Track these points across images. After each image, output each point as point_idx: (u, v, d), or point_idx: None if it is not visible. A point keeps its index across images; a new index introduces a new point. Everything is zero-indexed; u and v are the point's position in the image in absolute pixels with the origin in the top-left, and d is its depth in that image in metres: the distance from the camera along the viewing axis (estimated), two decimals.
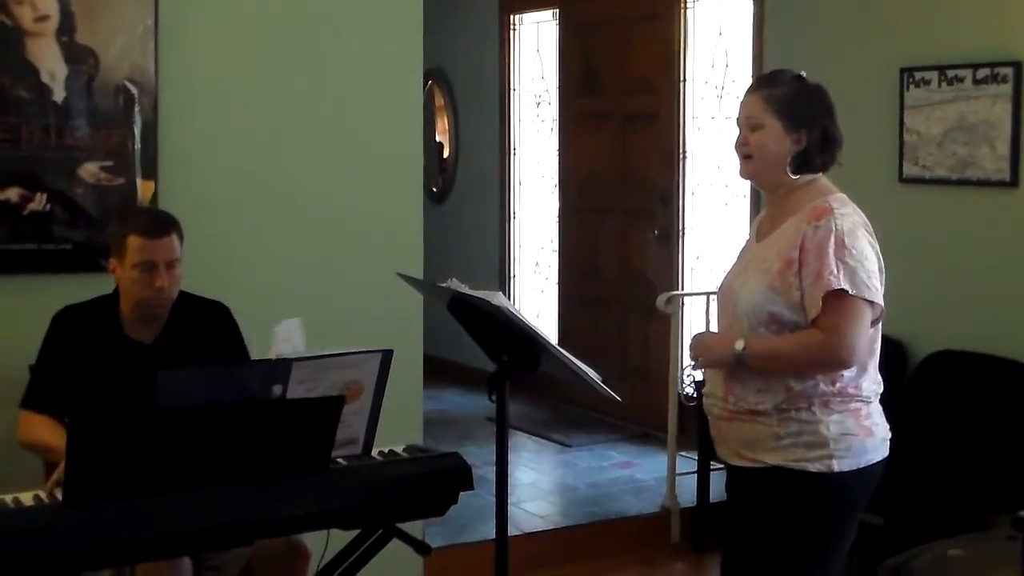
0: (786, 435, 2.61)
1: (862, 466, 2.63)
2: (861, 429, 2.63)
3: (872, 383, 2.67)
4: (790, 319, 2.61)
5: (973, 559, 3.43)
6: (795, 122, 2.65)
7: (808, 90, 2.70)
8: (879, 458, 2.67)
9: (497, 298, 2.49)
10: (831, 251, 2.55)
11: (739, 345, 2.60)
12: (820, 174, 2.71)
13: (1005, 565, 3.23)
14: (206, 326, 3.24)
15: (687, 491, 4.87)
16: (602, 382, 2.60)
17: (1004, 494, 3.95)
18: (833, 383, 2.60)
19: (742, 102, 2.73)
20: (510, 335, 2.57)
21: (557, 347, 2.56)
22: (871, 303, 2.58)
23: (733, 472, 2.77)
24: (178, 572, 2.97)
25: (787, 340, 2.61)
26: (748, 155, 2.70)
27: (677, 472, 4.88)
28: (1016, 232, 4.29)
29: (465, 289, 2.58)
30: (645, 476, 5.46)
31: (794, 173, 2.67)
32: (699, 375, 2.75)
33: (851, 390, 2.63)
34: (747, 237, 2.93)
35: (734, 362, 2.62)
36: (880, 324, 2.67)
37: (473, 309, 2.59)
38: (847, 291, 2.53)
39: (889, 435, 2.70)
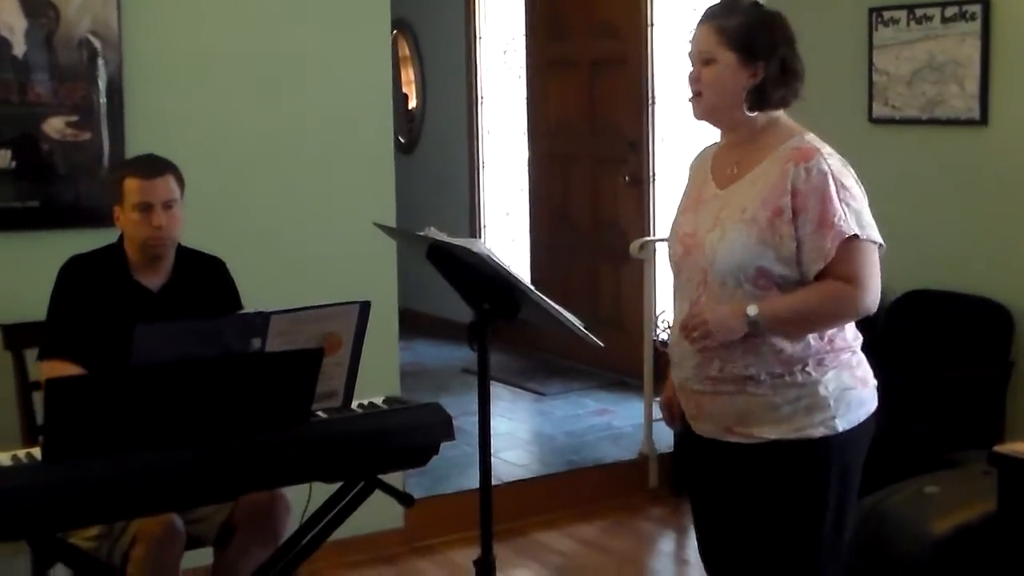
0: (784, 403, 2.43)
1: (862, 419, 2.50)
2: (856, 381, 2.50)
3: (854, 330, 2.54)
4: (780, 273, 2.41)
5: (949, 495, 3.46)
6: (751, 54, 2.44)
7: (764, 18, 2.48)
8: (874, 408, 2.54)
9: (477, 245, 2.47)
10: (833, 194, 2.37)
11: (752, 311, 2.37)
12: (781, 111, 2.52)
13: (981, 500, 3.26)
14: (206, 279, 3.30)
15: (664, 437, 4.89)
16: (583, 328, 2.58)
17: (978, 431, 3.99)
18: (823, 338, 2.45)
19: (694, 34, 2.51)
20: (490, 283, 2.55)
21: (539, 293, 2.54)
22: (878, 245, 2.43)
23: (719, 448, 2.54)
24: (170, 525, 2.97)
25: (808, 297, 2.40)
26: (699, 91, 2.50)
27: (653, 418, 4.88)
28: (986, 170, 4.30)
29: (444, 238, 2.55)
30: (621, 423, 5.48)
31: (750, 110, 2.47)
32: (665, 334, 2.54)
33: (839, 342, 2.47)
34: (688, 177, 2.69)
35: (743, 332, 2.39)
36: None
37: (452, 257, 2.57)
38: (858, 236, 2.38)
39: (875, 382, 2.58)
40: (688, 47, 2.56)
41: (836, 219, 2.36)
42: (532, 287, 2.55)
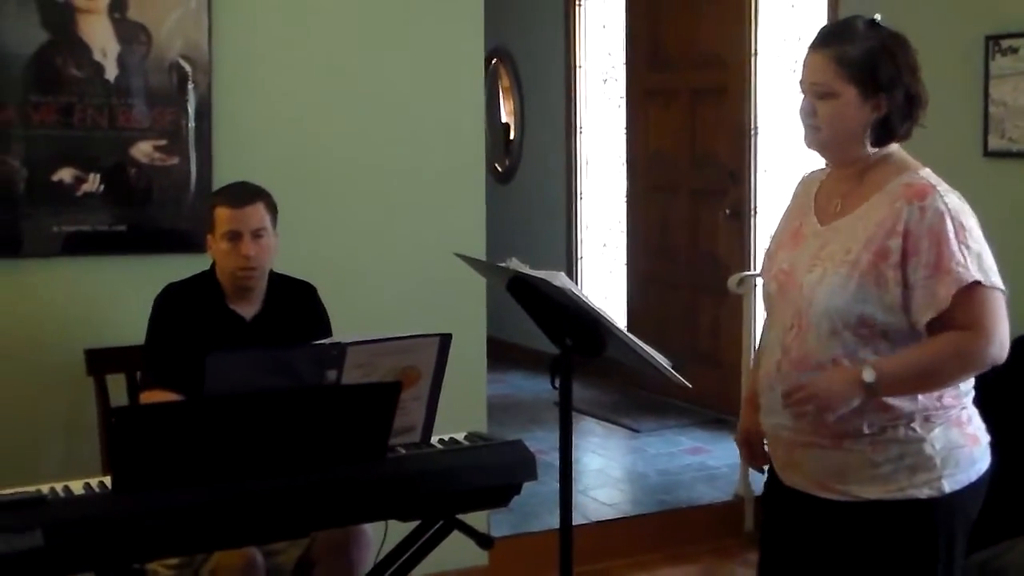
0: (885, 461, 2.24)
1: (972, 480, 2.29)
2: (967, 438, 2.29)
3: (968, 385, 2.32)
4: (884, 321, 2.22)
5: None
6: (874, 87, 2.23)
7: (887, 44, 2.25)
8: (987, 467, 2.33)
9: (559, 278, 2.35)
10: (951, 236, 2.16)
11: (868, 376, 2.15)
12: (896, 144, 2.33)
13: None
14: (298, 306, 3.26)
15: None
16: (672, 368, 2.44)
17: None
18: (931, 395, 2.25)
19: (807, 62, 2.29)
20: (573, 318, 2.43)
21: (623, 331, 2.41)
22: (1003, 291, 2.21)
23: (809, 503, 2.35)
24: (251, 559, 2.92)
25: (928, 352, 2.19)
26: (815, 126, 2.29)
27: None
28: None
29: (526, 269, 2.44)
30: (717, 463, 5.31)
31: (875, 145, 2.27)
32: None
33: (949, 398, 2.27)
34: (788, 206, 2.52)
35: (862, 399, 2.18)
36: None
37: (534, 290, 2.46)
38: (981, 282, 2.16)
39: (989, 438, 2.37)
40: (799, 74, 2.34)
41: (954, 264, 2.16)
42: (616, 323, 2.42)
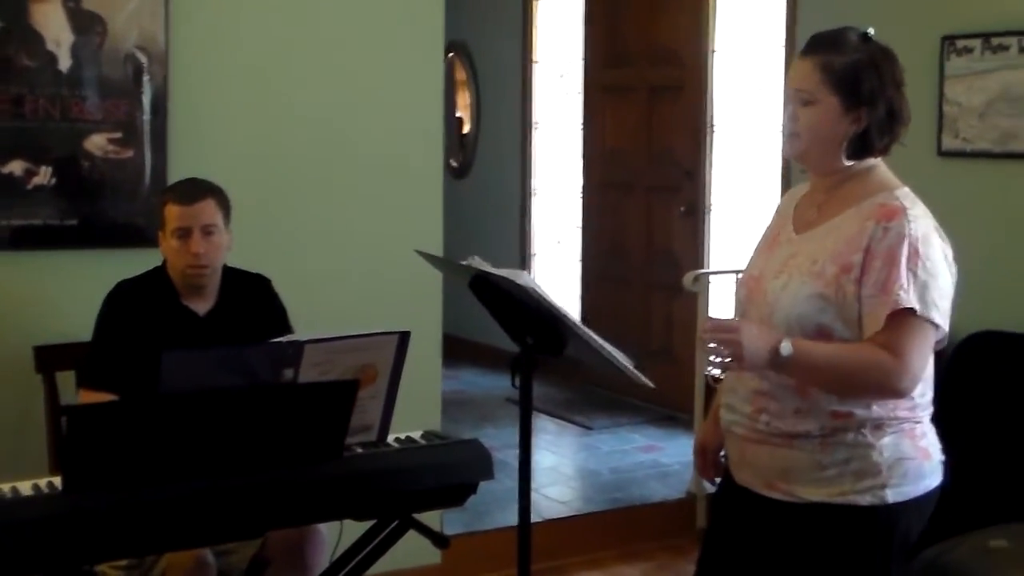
0: (831, 464, 2.25)
1: (919, 494, 2.28)
2: (918, 451, 2.28)
3: (926, 400, 2.32)
4: (842, 335, 2.22)
5: (1018, 551, 3.27)
6: (855, 99, 2.24)
7: (874, 58, 2.26)
8: (936, 483, 2.32)
9: (522, 277, 2.34)
10: (903, 260, 2.17)
11: (785, 348, 2.14)
12: (879, 159, 2.33)
13: None
14: (253, 300, 3.22)
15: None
16: (634, 368, 2.43)
17: None
18: (886, 405, 2.25)
19: (794, 68, 2.32)
20: (535, 316, 2.42)
21: (587, 330, 2.40)
22: (936, 327, 2.20)
23: (757, 501, 2.36)
24: (202, 559, 2.88)
25: (849, 354, 2.19)
26: (795, 133, 2.30)
27: None
28: None
29: (487, 268, 2.43)
30: (670, 460, 5.33)
31: (849, 159, 2.29)
32: (717, 372, 2.28)
33: (904, 411, 2.27)
34: (772, 217, 2.53)
35: (769, 367, 2.17)
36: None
37: (496, 288, 2.44)
38: (915, 310, 2.16)
39: (943, 457, 2.36)
40: (785, 81, 2.38)
41: (897, 287, 2.16)
42: (580, 323, 2.41)
